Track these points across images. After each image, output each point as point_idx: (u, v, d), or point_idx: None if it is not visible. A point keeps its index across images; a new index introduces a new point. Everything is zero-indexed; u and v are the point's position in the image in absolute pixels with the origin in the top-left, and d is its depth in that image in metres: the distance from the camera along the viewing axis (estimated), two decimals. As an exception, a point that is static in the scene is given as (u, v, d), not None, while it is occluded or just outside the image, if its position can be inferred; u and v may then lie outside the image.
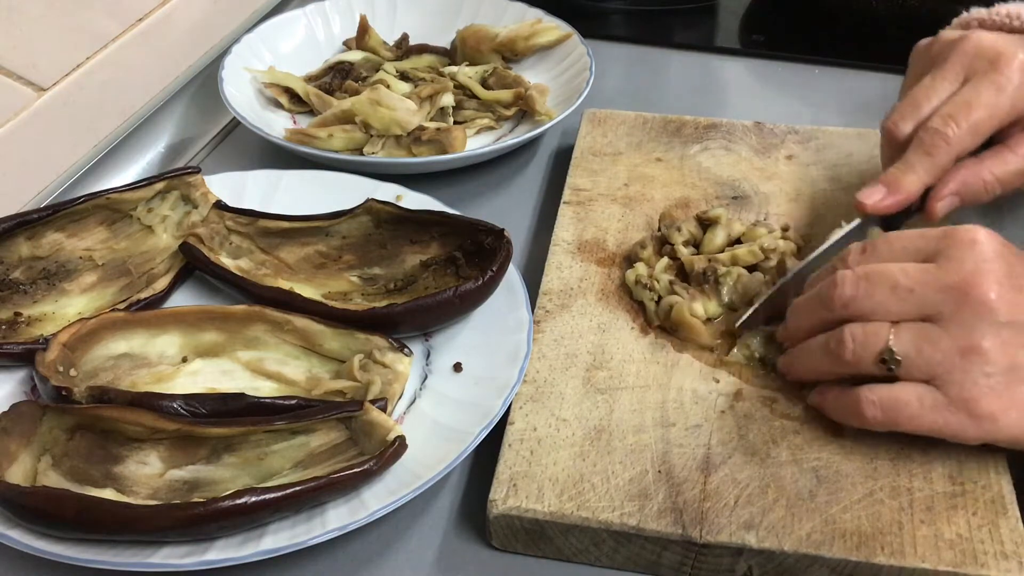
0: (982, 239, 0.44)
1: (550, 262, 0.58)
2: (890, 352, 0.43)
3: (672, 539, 0.42)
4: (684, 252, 0.57)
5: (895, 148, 0.55)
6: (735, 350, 0.51)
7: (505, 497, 0.44)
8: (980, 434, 0.43)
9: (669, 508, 0.43)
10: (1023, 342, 0.42)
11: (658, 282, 0.54)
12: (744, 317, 0.51)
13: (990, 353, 0.42)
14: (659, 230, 0.60)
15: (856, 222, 0.53)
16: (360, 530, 0.44)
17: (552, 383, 0.50)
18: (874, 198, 0.53)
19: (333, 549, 0.46)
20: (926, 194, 0.53)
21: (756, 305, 0.51)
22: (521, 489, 0.44)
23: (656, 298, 0.54)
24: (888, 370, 0.43)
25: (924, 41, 0.59)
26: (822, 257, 0.52)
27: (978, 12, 0.58)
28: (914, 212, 0.54)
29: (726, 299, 0.54)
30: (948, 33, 0.57)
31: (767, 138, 0.68)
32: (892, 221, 0.54)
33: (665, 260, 0.56)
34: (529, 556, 0.45)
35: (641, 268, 0.56)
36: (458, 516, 0.47)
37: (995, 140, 0.54)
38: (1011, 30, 0.55)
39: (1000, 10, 0.56)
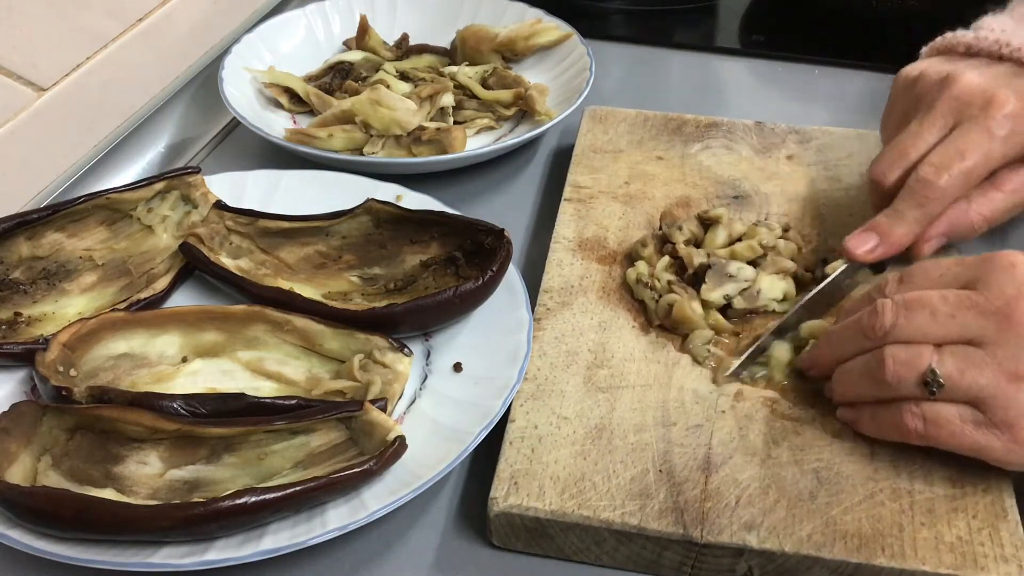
0: (1022, 262, 0.43)
1: (551, 259, 0.58)
2: (933, 374, 0.42)
3: (673, 539, 0.42)
4: (685, 251, 0.56)
5: (883, 195, 0.54)
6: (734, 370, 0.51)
7: (506, 495, 0.44)
8: (1020, 459, 0.42)
9: (670, 508, 0.43)
10: None
11: (659, 281, 0.54)
12: (735, 366, 0.50)
13: None
14: (660, 229, 0.60)
15: (844, 266, 0.53)
16: (360, 530, 0.43)
17: (553, 381, 0.50)
18: (865, 247, 0.52)
19: (333, 549, 0.45)
20: None
21: (747, 354, 0.50)
22: (522, 487, 0.44)
23: (657, 297, 0.54)
24: (931, 392, 0.42)
25: (908, 73, 0.57)
26: (812, 302, 0.52)
27: (964, 36, 0.56)
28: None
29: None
30: (933, 68, 0.55)
31: (768, 138, 0.68)
32: (879, 263, 0.54)
33: (666, 259, 0.56)
34: (529, 555, 0.45)
35: (642, 267, 0.56)
36: (458, 515, 0.47)
37: None
38: (999, 57, 0.54)
39: (988, 36, 0.55)
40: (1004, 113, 0.51)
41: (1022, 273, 0.42)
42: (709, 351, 0.51)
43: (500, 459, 0.46)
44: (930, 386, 0.42)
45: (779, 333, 0.52)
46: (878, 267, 0.54)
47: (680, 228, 0.58)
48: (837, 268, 0.53)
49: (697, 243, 0.58)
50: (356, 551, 0.46)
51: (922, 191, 0.51)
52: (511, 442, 0.46)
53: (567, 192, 0.63)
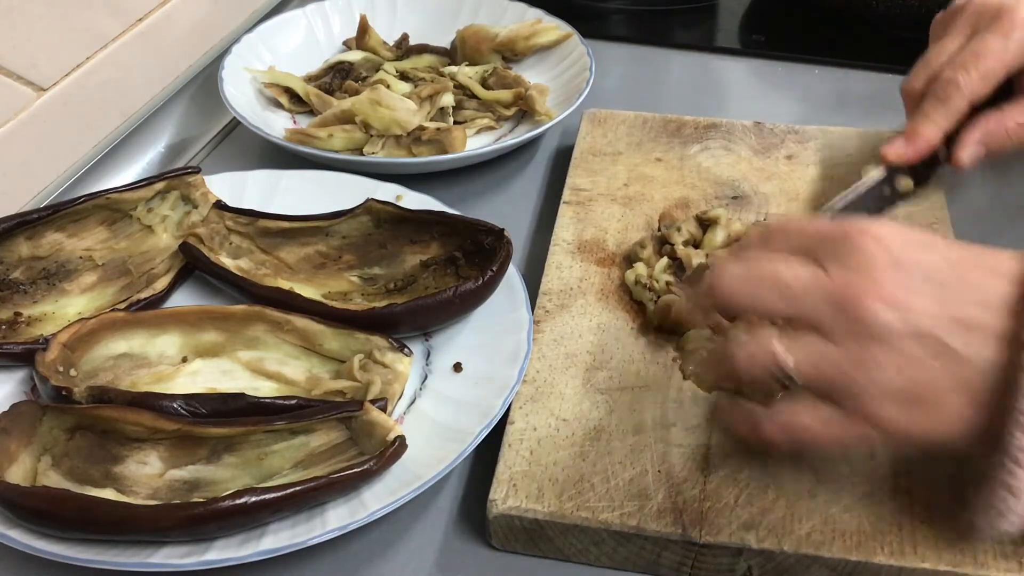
0: (877, 244, 0.39)
1: (550, 262, 0.58)
2: (784, 373, 0.39)
3: (672, 539, 0.42)
4: (684, 252, 0.57)
5: (913, 106, 0.57)
6: None
7: (505, 497, 0.44)
8: (892, 443, 0.41)
9: (669, 508, 0.43)
10: (922, 351, 0.38)
11: (657, 282, 0.54)
12: None
13: (885, 365, 0.38)
14: (659, 230, 0.60)
15: (883, 172, 0.55)
16: (360, 530, 0.43)
17: (552, 383, 0.50)
18: (896, 150, 0.55)
19: (333, 549, 0.45)
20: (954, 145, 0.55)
21: None
22: (521, 489, 0.44)
23: (655, 298, 0.54)
24: (784, 387, 0.40)
25: (940, 14, 0.61)
26: (849, 208, 0.53)
27: None
28: (942, 162, 0.56)
29: None
30: (958, 2, 0.59)
31: (767, 138, 0.68)
32: (920, 172, 0.56)
33: (665, 260, 0.56)
34: (529, 556, 0.45)
35: (641, 268, 0.56)
36: (458, 516, 0.47)
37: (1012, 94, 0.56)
38: None
39: None
40: (1016, 16, 0.54)
41: (874, 255, 0.39)
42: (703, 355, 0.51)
43: (499, 461, 0.46)
44: (782, 382, 0.40)
45: None
46: (921, 177, 0.56)
47: (679, 229, 0.58)
48: (873, 175, 0.55)
49: (696, 244, 0.58)
50: (356, 551, 0.46)
51: (943, 88, 0.55)
52: (510, 444, 0.46)
53: (566, 195, 0.63)
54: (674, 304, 0.52)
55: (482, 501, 0.44)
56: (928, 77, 0.57)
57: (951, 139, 0.56)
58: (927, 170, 0.56)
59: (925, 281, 0.38)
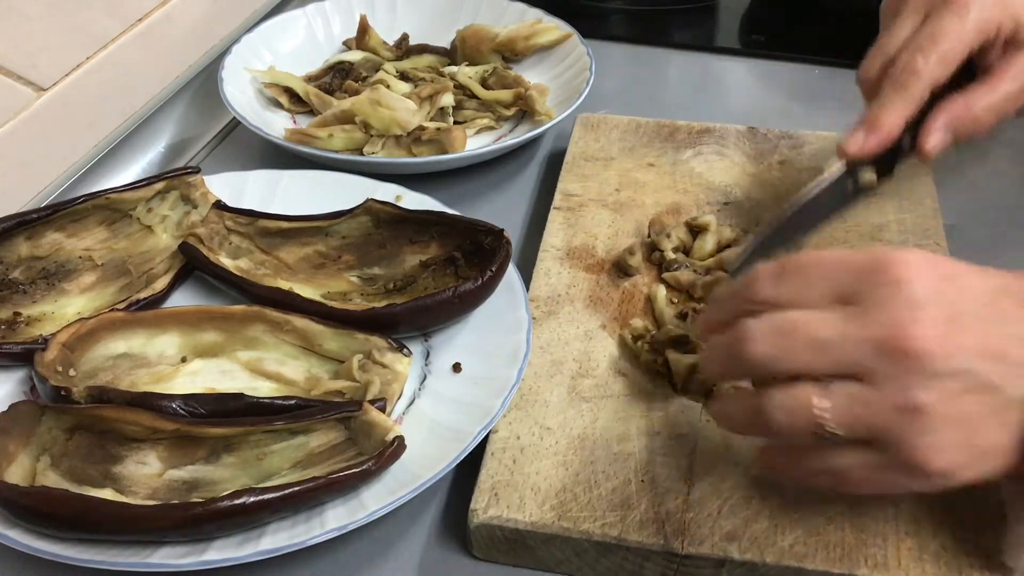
0: (911, 276, 0.37)
1: (538, 268, 0.57)
2: (822, 428, 0.37)
3: (654, 550, 0.42)
4: (672, 258, 0.57)
5: (871, 95, 0.54)
6: None
7: (486, 506, 0.43)
8: (933, 487, 0.38)
9: (651, 518, 0.43)
10: (963, 388, 0.36)
11: (669, 331, 0.51)
12: (737, 265, 0.49)
13: (930, 408, 0.36)
14: (649, 236, 0.59)
15: (843, 166, 0.52)
16: (347, 536, 0.43)
17: (537, 391, 0.49)
18: (856, 142, 0.52)
19: (333, 549, 0.46)
20: (918, 134, 0.52)
21: (746, 253, 0.49)
22: (503, 498, 0.44)
23: (657, 359, 0.51)
24: (824, 440, 0.38)
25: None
26: (813, 202, 0.51)
27: None
28: (907, 152, 0.53)
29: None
30: None
31: (760, 143, 0.68)
32: (883, 163, 0.52)
33: (671, 311, 0.54)
34: (511, 566, 0.45)
35: (638, 323, 0.53)
36: (441, 526, 0.47)
37: (975, 75, 0.53)
38: None
39: None
40: None
41: (911, 291, 0.36)
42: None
43: (481, 470, 0.45)
44: (823, 437, 0.37)
45: (778, 234, 0.50)
46: (884, 170, 0.52)
47: (668, 236, 0.58)
48: (834, 170, 0.52)
49: (686, 250, 0.58)
50: (348, 557, 0.46)
51: (901, 74, 0.51)
52: (493, 453, 0.46)
53: (556, 200, 0.63)
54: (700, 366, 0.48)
55: (465, 511, 0.44)
56: (884, 63, 0.53)
57: (914, 127, 0.52)
58: (890, 162, 0.53)
59: (961, 315, 0.36)
